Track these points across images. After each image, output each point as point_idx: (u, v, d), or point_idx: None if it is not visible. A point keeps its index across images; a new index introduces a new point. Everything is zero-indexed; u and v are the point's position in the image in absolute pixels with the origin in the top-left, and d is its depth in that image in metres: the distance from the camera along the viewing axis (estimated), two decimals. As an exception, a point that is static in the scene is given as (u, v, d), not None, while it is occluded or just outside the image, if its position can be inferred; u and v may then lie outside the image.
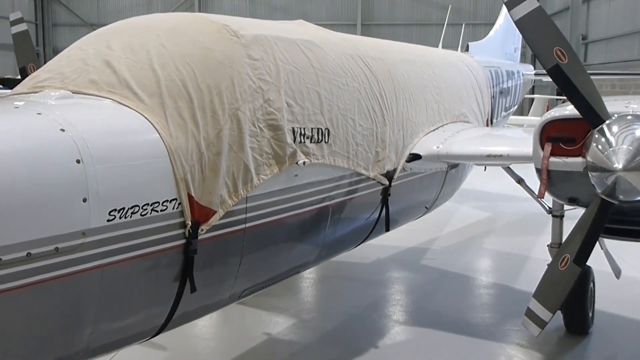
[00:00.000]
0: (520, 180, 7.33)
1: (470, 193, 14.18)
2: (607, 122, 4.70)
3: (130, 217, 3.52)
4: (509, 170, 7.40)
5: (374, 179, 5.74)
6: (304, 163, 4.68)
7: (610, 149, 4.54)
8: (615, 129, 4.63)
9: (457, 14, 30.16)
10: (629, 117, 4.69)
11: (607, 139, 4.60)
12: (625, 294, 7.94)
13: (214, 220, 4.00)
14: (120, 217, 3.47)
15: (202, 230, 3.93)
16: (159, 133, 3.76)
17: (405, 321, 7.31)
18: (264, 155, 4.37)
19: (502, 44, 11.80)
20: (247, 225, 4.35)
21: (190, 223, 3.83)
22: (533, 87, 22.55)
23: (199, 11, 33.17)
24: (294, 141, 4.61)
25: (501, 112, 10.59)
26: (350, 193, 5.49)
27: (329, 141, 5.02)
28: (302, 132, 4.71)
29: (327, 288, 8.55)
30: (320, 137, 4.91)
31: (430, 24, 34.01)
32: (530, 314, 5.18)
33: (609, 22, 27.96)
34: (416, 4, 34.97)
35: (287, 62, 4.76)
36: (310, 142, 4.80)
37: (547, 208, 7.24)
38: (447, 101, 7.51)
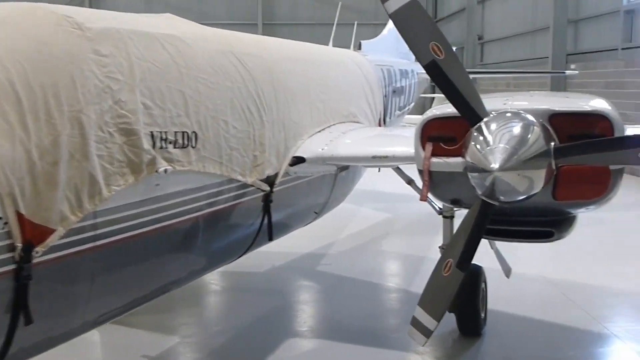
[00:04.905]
0: (410, 181, 7.14)
1: (370, 194, 14.03)
2: (485, 120, 4.47)
3: None
4: (399, 170, 7.19)
5: (252, 185, 5.36)
6: (166, 171, 4.26)
7: (488, 148, 4.31)
8: (493, 126, 4.40)
9: (357, 13, 30.22)
10: (508, 115, 4.49)
11: (484, 138, 4.37)
12: (518, 292, 7.91)
13: (53, 240, 3.50)
14: None
15: (37, 252, 3.42)
16: None
17: (302, 333, 6.95)
18: (116, 164, 3.90)
19: (395, 43, 11.66)
20: (98, 243, 3.87)
21: (20, 245, 3.33)
22: (434, 85, 22.83)
23: (90, 7, 31.72)
24: (153, 147, 4.18)
25: (395, 112, 10.46)
26: (225, 202, 5.07)
27: (197, 146, 4.60)
28: (164, 136, 4.29)
29: (217, 300, 8.14)
30: (186, 142, 4.49)
31: (332, 23, 33.99)
32: (415, 323, 4.92)
33: (503, 23, 28.95)
34: (318, 4, 34.91)
35: (143, 59, 4.28)
36: (174, 147, 4.38)
37: (438, 209, 7.10)
38: (334, 100, 7.21)
